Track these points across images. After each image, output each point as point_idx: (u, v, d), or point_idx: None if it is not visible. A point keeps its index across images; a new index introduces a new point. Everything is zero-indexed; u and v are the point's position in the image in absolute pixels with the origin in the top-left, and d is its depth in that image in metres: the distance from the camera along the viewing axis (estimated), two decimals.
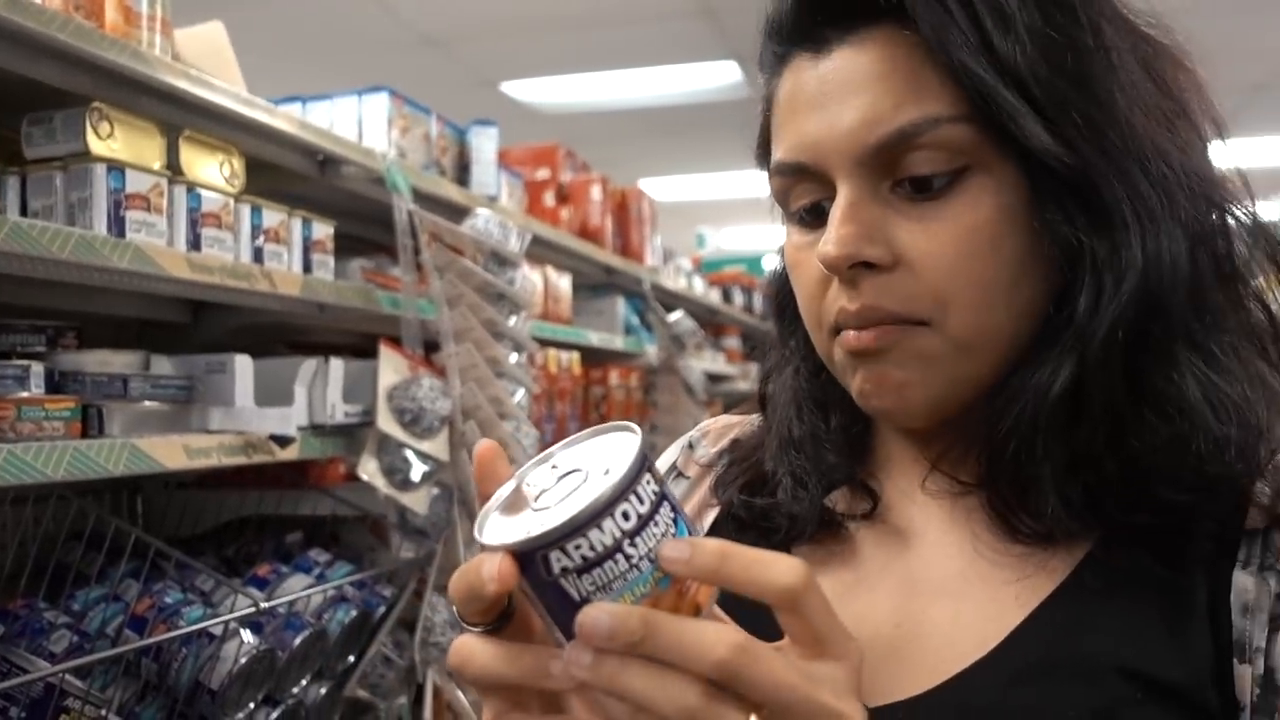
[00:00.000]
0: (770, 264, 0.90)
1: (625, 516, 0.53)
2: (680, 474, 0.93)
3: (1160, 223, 0.68)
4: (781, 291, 0.85)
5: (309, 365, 1.81)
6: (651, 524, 0.54)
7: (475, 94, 6.40)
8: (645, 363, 3.77)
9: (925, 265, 0.69)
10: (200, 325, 1.99)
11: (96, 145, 1.44)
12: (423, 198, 2.19)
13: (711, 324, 5.31)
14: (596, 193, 3.53)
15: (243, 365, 1.67)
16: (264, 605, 1.62)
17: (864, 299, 0.70)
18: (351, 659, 1.89)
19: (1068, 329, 0.68)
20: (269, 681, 1.64)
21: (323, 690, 1.81)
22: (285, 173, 1.97)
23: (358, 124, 2.33)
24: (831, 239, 0.69)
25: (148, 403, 1.54)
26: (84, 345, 1.60)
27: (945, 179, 0.69)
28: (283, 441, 1.67)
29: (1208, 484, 0.67)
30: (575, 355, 3.15)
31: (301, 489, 2.15)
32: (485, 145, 2.61)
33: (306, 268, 1.86)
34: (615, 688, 0.52)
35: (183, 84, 1.58)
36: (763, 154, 0.81)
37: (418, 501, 1.95)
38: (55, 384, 1.45)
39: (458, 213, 2.23)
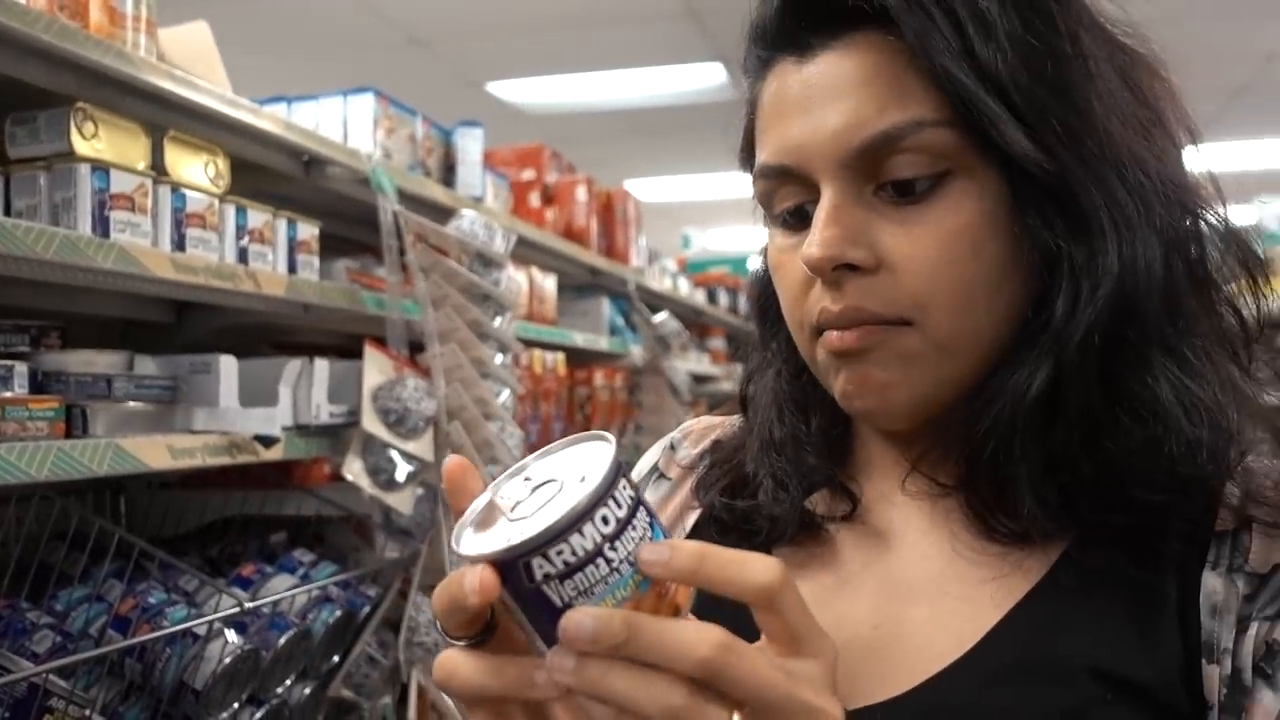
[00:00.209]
0: (754, 266, 0.90)
1: (604, 521, 0.53)
2: (662, 475, 0.94)
3: (1136, 229, 0.69)
4: (764, 293, 0.85)
5: (294, 365, 1.81)
6: (629, 528, 0.54)
7: (461, 94, 6.39)
8: (630, 363, 3.77)
9: (907, 268, 0.70)
10: (184, 325, 1.99)
11: (81, 145, 1.44)
12: (408, 198, 2.19)
13: (696, 325, 5.31)
14: (582, 194, 3.54)
15: (227, 365, 1.67)
16: (248, 605, 1.62)
17: (847, 300, 0.70)
18: (336, 659, 1.89)
19: (1045, 332, 0.69)
20: (253, 681, 1.64)
21: (307, 690, 1.81)
22: (270, 173, 1.97)
23: (343, 125, 2.33)
24: (815, 241, 0.70)
25: (132, 403, 1.54)
26: (68, 345, 1.60)
27: (927, 183, 0.70)
28: (267, 442, 1.67)
29: (1180, 485, 0.68)
30: (560, 356, 3.15)
31: (286, 489, 2.15)
32: (470, 146, 2.61)
33: (291, 268, 1.86)
34: (599, 691, 0.52)
35: (167, 84, 1.58)
36: (746, 157, 0.82)
37: (402, 502, 1.95)
38: (39, 384, 1.45)
39: (443, 213, 2.23)
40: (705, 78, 6.09)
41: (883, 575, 0.77)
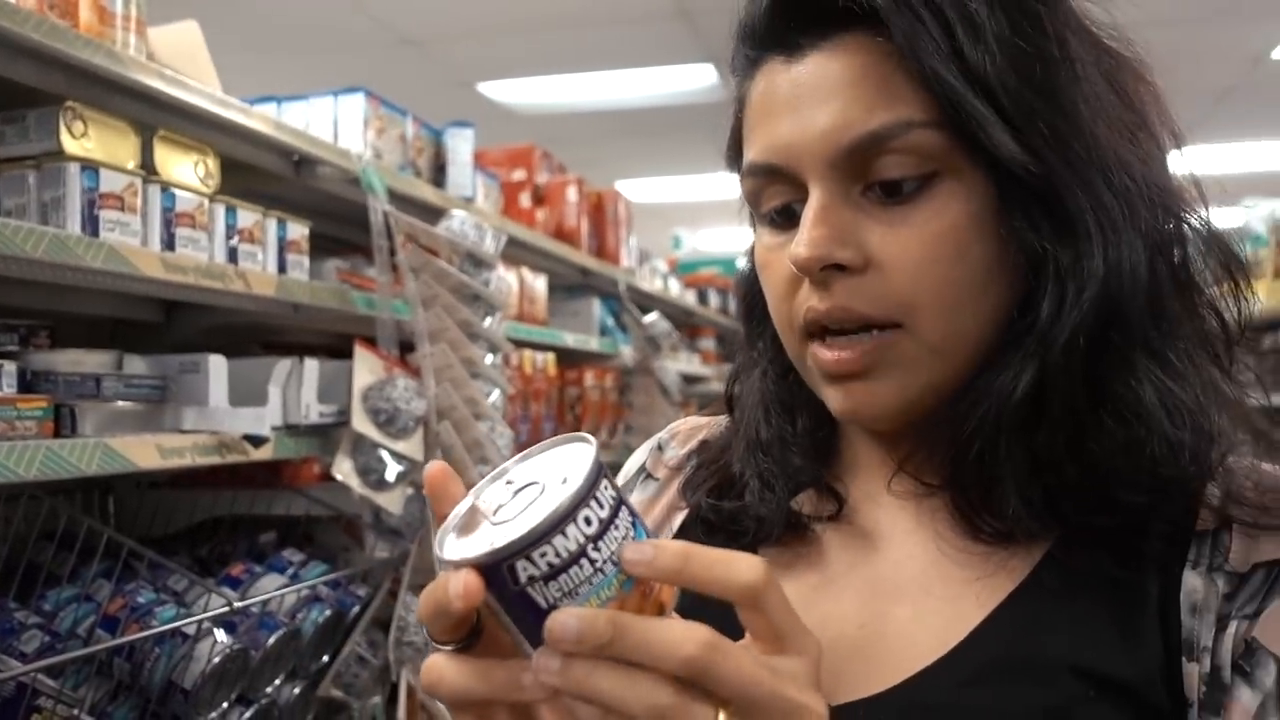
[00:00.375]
0: (741, 265, 0.91)
1: (587, 522, 0.54)
2: (649, 475, 0.94)
3: (1122, 233, 0.69)
4: (750, 293, 0.85)
5: (283, 365, 1.81)
6: (612, 528, 0.54)
7: (452, 94, 6.39)
8: (620, 364, 3.78)
9: (894, 268, 0.70)
10: (173, 325, 1.99)
11: (70, 144, 1.44)
12: (398, 199, 2.19)
13: (687, 325, 5.32)
14: (572, 194, 3.54)
15: (216, 365, 1.67)
16: (237, 605, 1.62)
17: (834, 300, 0.71)
18: (325, 658, 1.89)
19: (1031, 334, 0.70)
20: (242, 681, 1.64)
21: (296, 690, 1.81)
22: (260, 173, 1.96)
23: (333, 125, 2.32)
24: (804, 241, 0.70)
25: (121, 402, 1.54)
26: (56, 344, 1.60)
27: (915, 183, 0.70)
28: (257, 441, 1.67)
29: (1162, 486, 0.68)
30: (550, 356, 3.15)
31: (275, 489, 2.15)
32: (461, 147, 2.61)
33: (281, 268, 1.85)
34: (585, 691, 0.52)
35: (157, 84, 1.58)
36: (733, 156, 0.82)
37: (392, 501, 1.95)
38: (27, 383, 1.45)
39: (433, 214, 2.23)
40: (697, 79, 6.09)
41: (868, 575, 0.77)
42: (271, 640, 1.68)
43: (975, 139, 0.68)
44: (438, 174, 2.61)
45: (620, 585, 0.54)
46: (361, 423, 1.91)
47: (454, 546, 0.56)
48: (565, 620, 0.52)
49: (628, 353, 3.79)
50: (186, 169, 1.66)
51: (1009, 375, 0.70)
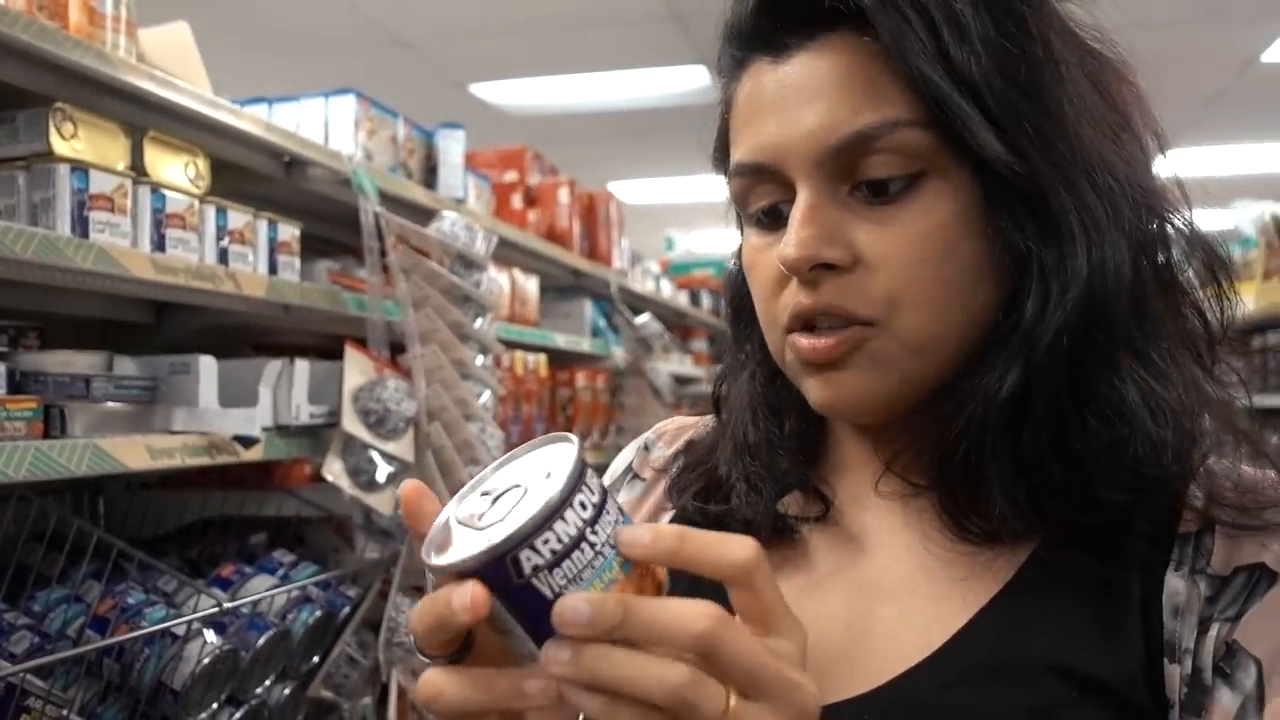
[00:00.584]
0: (729, 266, 0.91)
1: (583, 506, 0.54)
2: (636, 475, 0.94)
3: (1105, 233, 0.69)
4: (738, 294, 0.86)
5: (274, 366, 1.81)
6: (605, 513, 0.55)
7: (445, 96, 6.39)
8: (612, 365, 3.78)
9: (882, 266, 0.70)
10: (164, 326, 1.99)
11: (60, 145, 1.44)
12: (389, 200, 2.20)
13: (679, 327, 5.33)
14: (564, 195, 3.54)
15: (207, 366, 1.67)
16: (227, 605, 1.62)
17: (822, 298, 0.71)
18: (316, 659, 1.89)
19: (1016, 334, 0.70)
20: (232, 682, 1.64)
21: (286, 691, 1.81)
22: (251, 174, 1.96)
23: (324, 126, 2.32)
24: (792, 241, 0.70)
25: (110, 403, 1.54)
26: (46, 345, 1.60)
27: (902, 183, 0.70)
28: (247, 442, 1.67)
29: (1145, 485, 0.69)
30: (542, 357, 3.15)
31: (266, 490, 2.15)
32: (452, 148, 2.61)
33: (272, 269, 1.86)
34: (598, 676, 0.52)
35: (147, 85, 1.58)
36: (720, 157, 0.82)
37: (383, 502, 1.96)
38: (17, 384, 1.45)
39: (424, 215, 2.23)
40: (689, 80, 6.10)
41: (854, 576, 0.77)
42: (261, 641, 1.68)
43: (961, 139, 0.68)
44: (429, 175, 2.61)
45: (620, 568, 0.54)
46: (352, 424, 1.91)
47: (447, 554, 0.55)
48: (575, 604, 0.51)
49: (619, 354, 3.79)
50: (177, 170, 1.66)
51: (994, 375, 0.70)
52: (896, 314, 0.70)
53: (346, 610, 1.95)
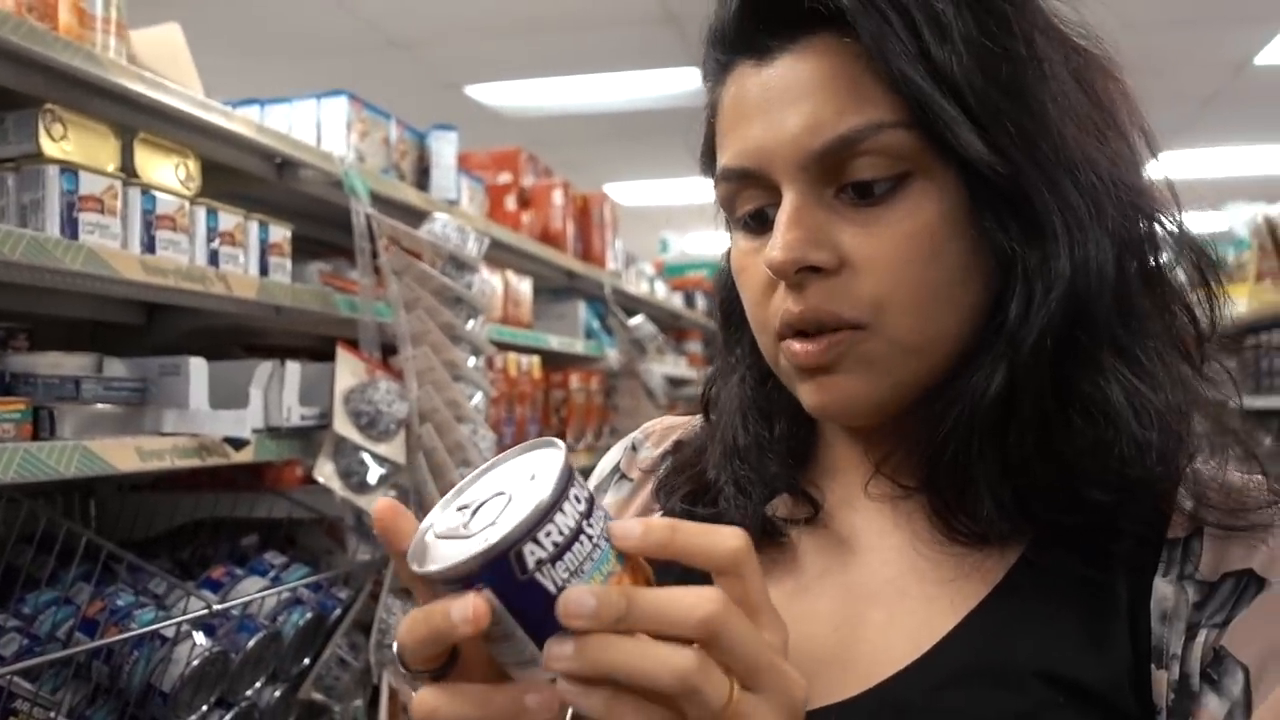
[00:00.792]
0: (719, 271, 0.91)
1: (577, 500, 0.54)
2: (623, 476, 0.94)
3: (1088, 231, 0.69)
4: (728, 298, 0.85)
5: (265, 368, 1.81)
6: (596, 507, 0.55)
7: (440, 97, 6.39)
8: (606, 366, 3.78)
9: (869, 268, 0.70)
10: (155, 327, 1.98)
11: (49, 147, 1.44)
12: (381, 201, 2.20)
13: (674, 328, 5.33)
14: (558, 197, 3.54)
15: (197, 367, 1.67)
16: (216, 607, 1.62)
17: (809, 302, 0.70)
18: (306, 661, 1.89)
19: (1001, 335, 0.70)
20: (222, 684, 1.64)
21: (277, 693, 1.81)
22: (243, 175, 1.96)
23: (316, 127, 2.32)
24: (778, 244, 0.70)
25: (100, 405, 1.53)
26: (36, 347, 1.60)
27: (888, 184, 0.70)
28: (237, 444, 1.67)
29: (1130, 486, 0.68)
30: (535, 359, 3.15)
31: (258, 492, 2.15)
32: (445, 149, 2.61)
33: (263, 270, 1.85)
34: (605, 666, 0.51)
35: (137, 86, 1.57)
36: (707, 161, 0.81)
37: (374, 504, 1.95)
38: (6, 385, 1.45)
39: (417, 216, 2.23)
40: (684, 82, 6.10)
41: (843, 579, 0.77)
42: (251, 643, 1.68)
43: (944, 139, 0.68)
44: (421, 177, 2.61)
45: (616, 560, 0.54)
46: (343, 425, 1.91)
47: (440, 562, 0.54)
48: (579, 595, 0.51)
49: (613, 356, 3.79)
50: (167, 171, 1.66)
51: (981, 376, 0.70)
52: (886, 316, 0.70)
53: (338, 612, 1.95)
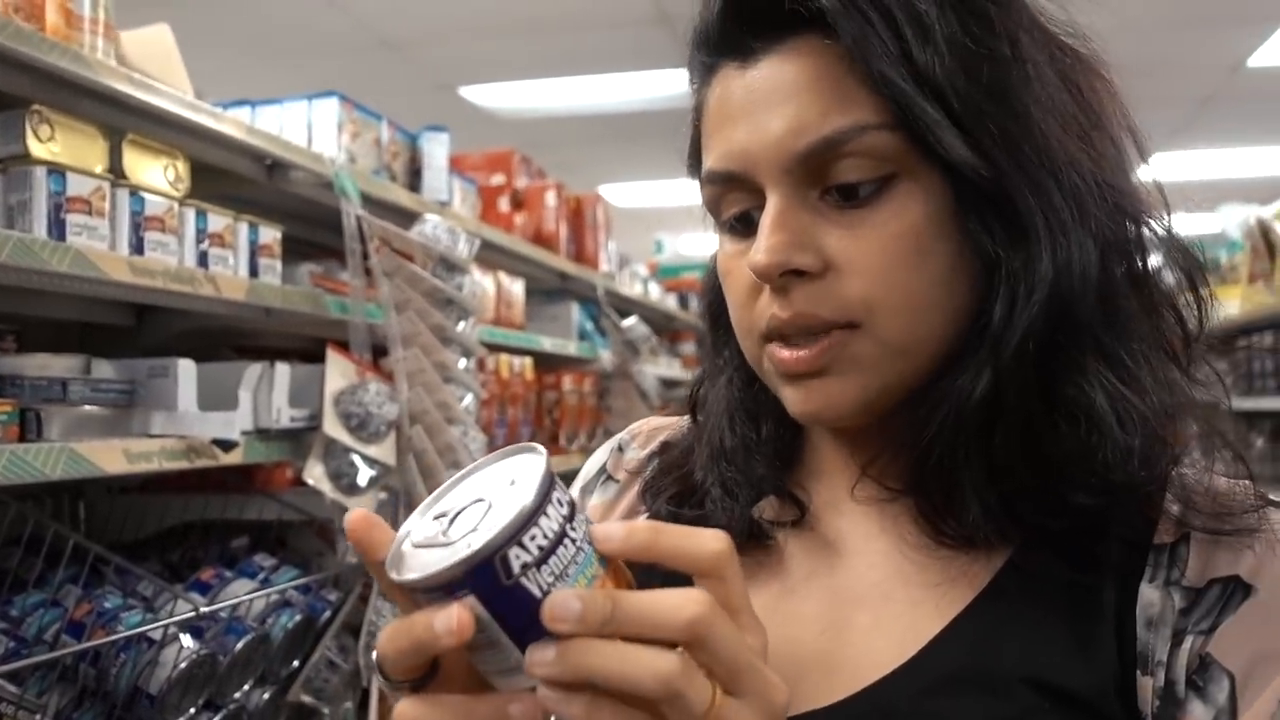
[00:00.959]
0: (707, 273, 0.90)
1: (559, 503, 0.54)
2: (610, 477, 0.93)
3: (1071, 234, 0.69)
4: (715, 300, 0.85)
5: (254, 369, 1.81)
6: (577, 511, 0.55)
7: (434, 98, 6.38)
8: (599, 368, 3.78)
9: (854, 271, 0.69)
10: (144, 328, 1.98)
11: (36, 148, 1.43)
12: (373, 203, 2.19)
13: (668, 330, 5.33)
14: (551, 199, 3.54)
15: (185, 369, 1.66)
16: (204, 610, 1.61)
17: (795, 306, 0.70)
18: (296, 664, 1.88)
19: (985, 338, 0.70)
20: (210, 686, 1.64)
21: (266, 695, 1.80)
22: (233, 176, 1.96)
23: (307, 128, 2.32)
24: (762, 247, 0.69)
25: (87, 406, 1.53)
26: (24, 348, 1.59)
27: (872, 186, 0.69)
28: (226, 446, 1.67)
29: (1115, 490, 0.68)
30: (528, 360, 3.15)
31: (248, 494, 2.15)
32: (437, 151, 2.61)
33: (253, 272, 1.85)
34: (587, 671, 0.51)
35: (125, 87, 1.57)
36: (694, 163, 0.81)
37: (364, 506, 1.95)
38: None
39: (408, 218, 2.23)
40: (678, 83, 6.05)
41: (829, 583, 0.76)
42: (240, 645, 1.67)
43: (926, 142, 0.67)
44: (413, 178, 2.60)
45: (599, 563, 0.54)
46: (333, 427, 1.91)
47: (423, 570, 0.53)
48: (565, 599, 0.51)
49: (606, 357, 3.79)
50: (156, 173, 1.66)
51: (967, 379, 0.69)
52: (874, 318, 0.70)
53: (327, 614, 1.95)
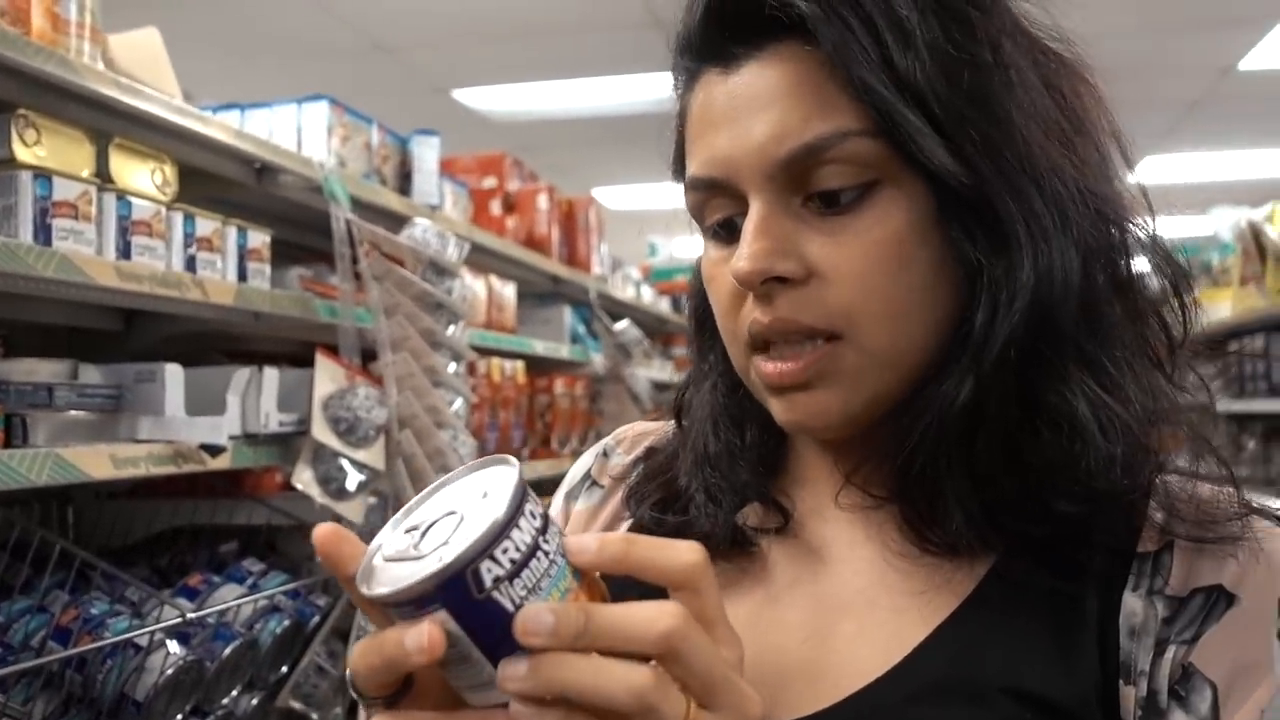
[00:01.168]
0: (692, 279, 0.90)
1: (533, 515, 0.53)
2: (594, 483, 0.93)
3: (1053, 241, 0.68)
4: (701, 306, 0.85)
5: (242, 374, 1.80)
6: (551, 523, 0.54)
7: (427, 101, 6.38)
8: (591, 371, 3.77)
9: (836, 278, 0.69)
10: (133, 333, 1.97)
11: (22, 152, 1.43)
12: (363, 206, 2.19)
13: (661, 333, 5.32)
14: (543, 202, 3.54)
15: (173, 374, 1.65)
16: (191, 615, 1.61)
17: (777, 312, 0.70)
18: (284, 669, 1.88)
19: (966, 345, 0.69)
20: (197, 692, 1.63)
21: (254, 701, 1.80)
22: (222, 180, 1.95)
23: (297, 132, 2.31)
24: (744, 254, 0.69)
25: (74, 412, 1.52)
26: (11, 353, 1.58)
27: (854, 193, 0.69)
28: (213, 451, 1.66)
29: (1097, 498, 0.68)
30: (520, 364, 3.14)
31: (237, 499, 2.14)
32: (427, 154, 2.60)
33: (242, 276, 1.84)
34: (559, 684, 0.51)
35: (112, 92, 1.56)
36: (678, 168, 0.81)
37: (353, 510, 1.94)
38: None
39: (399, 221, 2.23)
40: (670, 86, 6.10)
41: (813, 590, 0.76)
42: (227, 651, 1.66)
43: (908, 149, 0.67)
44: (404, 182, 2.60)
45: (572, 576, 0.54)
46: (322, 431, 1.90)
47: (393, 584, 0.52)
48: (537, 613, 0.50)
49: (599, 360, 3.78)
50: (143, 177, 1.65)
51: (949, 386, 0.69)
52: (857, 326, 0.69)
53: (316, 620, 1.94)
